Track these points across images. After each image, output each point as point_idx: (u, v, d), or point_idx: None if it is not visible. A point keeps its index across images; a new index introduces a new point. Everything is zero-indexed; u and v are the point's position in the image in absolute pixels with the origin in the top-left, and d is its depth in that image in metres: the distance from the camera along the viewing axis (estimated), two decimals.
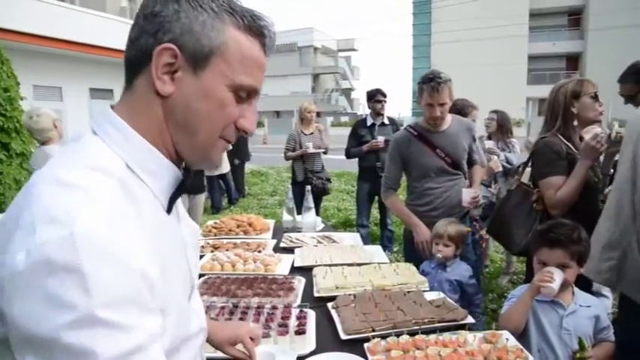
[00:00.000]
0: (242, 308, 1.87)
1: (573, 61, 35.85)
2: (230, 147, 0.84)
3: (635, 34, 29.88)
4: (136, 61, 0.75)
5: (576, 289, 1.98)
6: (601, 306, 1.95)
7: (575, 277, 1.93)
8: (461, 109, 3.84)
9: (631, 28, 29.64)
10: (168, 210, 0.80)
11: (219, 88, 0.75)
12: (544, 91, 4.41)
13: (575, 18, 36.10)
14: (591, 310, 1.92)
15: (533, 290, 1.88)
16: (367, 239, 5.20)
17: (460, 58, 34.11)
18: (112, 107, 0.78)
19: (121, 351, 0.58)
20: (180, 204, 0.90)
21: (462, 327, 1.80)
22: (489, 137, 5.04)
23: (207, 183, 8.64)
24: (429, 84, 2.79)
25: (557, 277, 1.81)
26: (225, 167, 8.26)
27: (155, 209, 0.76)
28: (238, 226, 3.21)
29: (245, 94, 0.78)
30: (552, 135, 2.47)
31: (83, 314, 0.56)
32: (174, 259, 0.79)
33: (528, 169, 2.72)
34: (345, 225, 6.99)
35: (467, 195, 2.96)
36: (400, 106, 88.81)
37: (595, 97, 2.42)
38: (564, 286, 1.89)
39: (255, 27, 0.77)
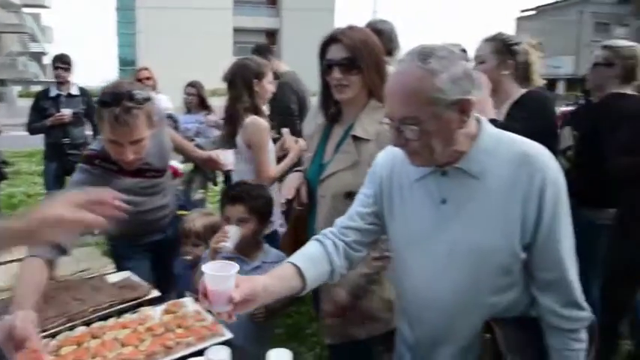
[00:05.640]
0: None
1: (272, 36, 39.51)
2: None
3: (323, 16, 34.80)
4: None
5: (267, 246, 2.11)
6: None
7: (257, 232, 2.05)
8: None
9: (320, 11, 34.39)
10: None
11: None
12: None
13: None
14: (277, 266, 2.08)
15: (213, 251, 1.96)
16: None
17: (167, 25, 33.28)
18: None
19: None
20: None
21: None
22: (189, 111, 5.06)
23: None
24: (110, 110, 1.79)
25: (233, 234, 1.92)
26: None
27: None
28: None
29: None
30: None
31: None
32: None
33: None
34: None
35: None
36: (106, 74, 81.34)
37: None
38: (249, 241, 2.00)
39: None
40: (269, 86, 2.75)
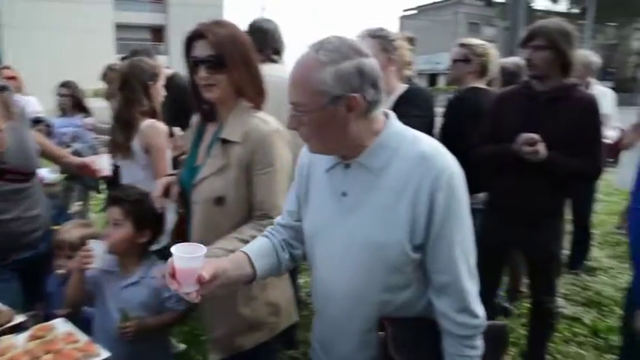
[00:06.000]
0: None
1: (158, 32, 37.71)
2: None
3: (211, 12, 33.76)
4: None
5: (153, 258, 1.97)
6: None
7: (134, 239, 1.90)
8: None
9: (208, 8, 33.37)
10: None
11: None
12: None
13: None
14: (155, 281, 1.87)
15: (78, 271, 1.85)
16: None
17: (38, 19, 30.25)
18: None
19: None
20: None
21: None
22: (63, 114, 4.65)
23: None
24: None
25: (98, 250, 1.82)
26: None
27: None
28: None
29: None
30: None
31: None
32: None
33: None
34: None
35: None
36: None
37: None
38: (127, 248, 1.88)
39: None
40: (162, 88, 2.65)
